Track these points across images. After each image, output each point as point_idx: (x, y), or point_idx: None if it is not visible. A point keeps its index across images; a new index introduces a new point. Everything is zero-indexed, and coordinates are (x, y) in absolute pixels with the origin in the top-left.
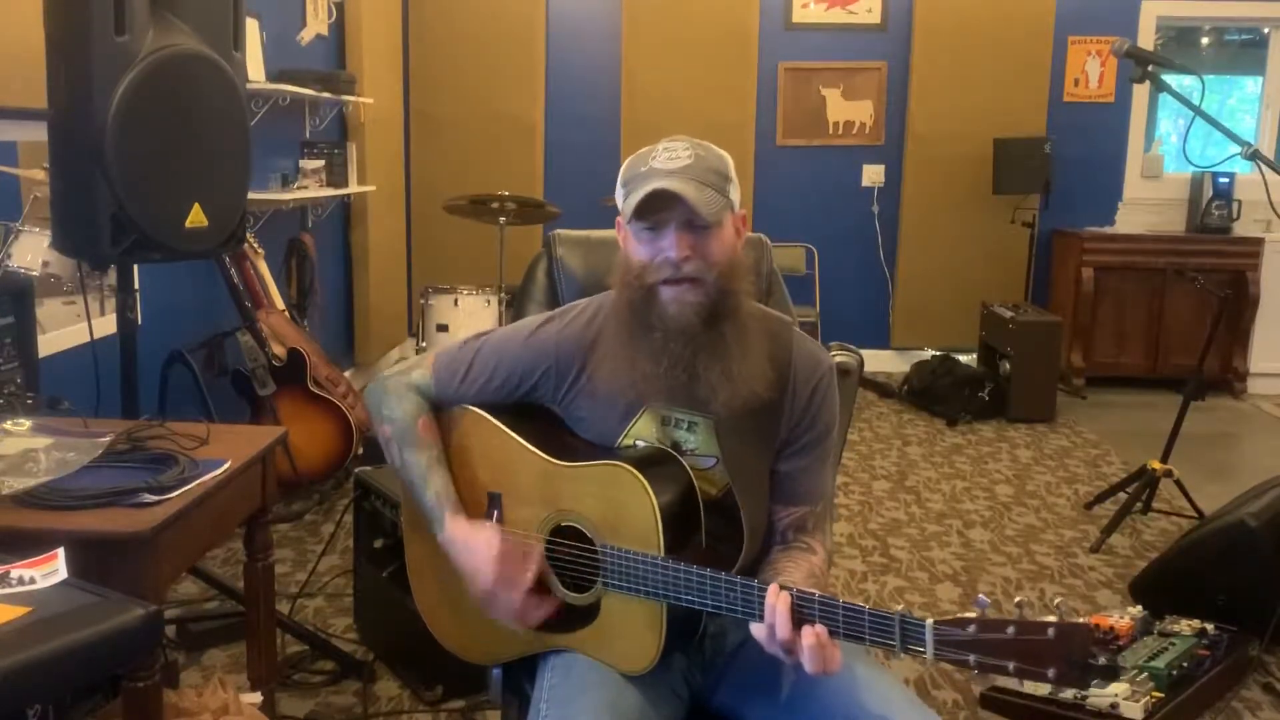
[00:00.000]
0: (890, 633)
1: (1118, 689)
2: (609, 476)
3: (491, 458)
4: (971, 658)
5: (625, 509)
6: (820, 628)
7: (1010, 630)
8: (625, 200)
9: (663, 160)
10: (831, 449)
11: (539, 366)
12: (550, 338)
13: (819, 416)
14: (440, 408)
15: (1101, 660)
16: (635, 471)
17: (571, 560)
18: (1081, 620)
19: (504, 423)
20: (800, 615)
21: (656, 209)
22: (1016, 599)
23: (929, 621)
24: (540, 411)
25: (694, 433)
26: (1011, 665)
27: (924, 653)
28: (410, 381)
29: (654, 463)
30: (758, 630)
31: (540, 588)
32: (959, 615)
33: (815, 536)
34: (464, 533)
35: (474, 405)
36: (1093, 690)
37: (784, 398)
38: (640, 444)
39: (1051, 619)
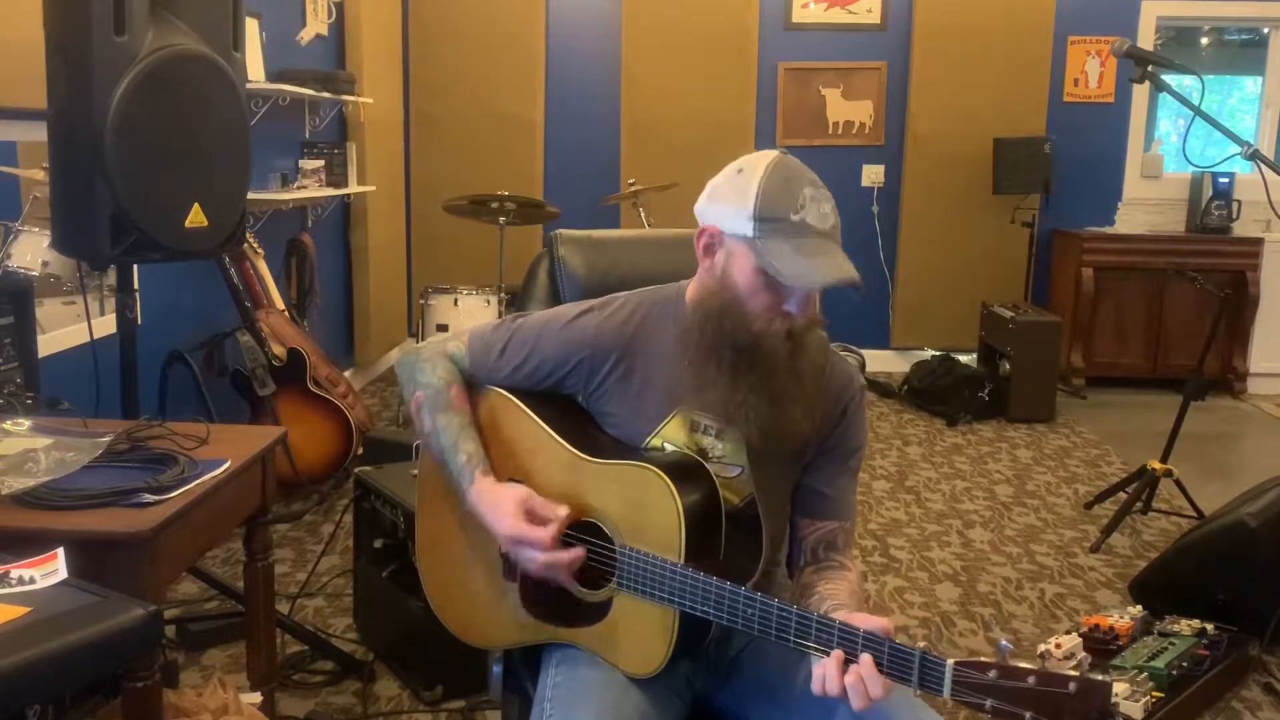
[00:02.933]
0: (908, 669)
1: (1118, 689)
2: (636, 478)
3: (517, 445)
4: (988, 702)
5: (649, 512)
6: (867, 658)
7: (1031, 680)
8: (771, 242)
9: (815, 215)
10: (860, 465)
11: (573, 357)
12: (588, 329)
13: (849, 433)
14: (471, 384)
15: (1119, 719)
16: (664, 476)
17: (588, 557)
18: (1103, 678)
19: (533, 410)
20: (819, 642)
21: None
22: (1040, 648)
23: (949, 662)
24: (569, 403)
25: (722, 440)
26: (1028, 715)
27: (940, 692)
28: (445, 351)
29: (682, 469)
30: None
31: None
32: (980, 659)
33: (845, 554)
34: (491, 489)
35: (504, 387)
36: None
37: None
38: (669, 448)
39: (1074, 673)
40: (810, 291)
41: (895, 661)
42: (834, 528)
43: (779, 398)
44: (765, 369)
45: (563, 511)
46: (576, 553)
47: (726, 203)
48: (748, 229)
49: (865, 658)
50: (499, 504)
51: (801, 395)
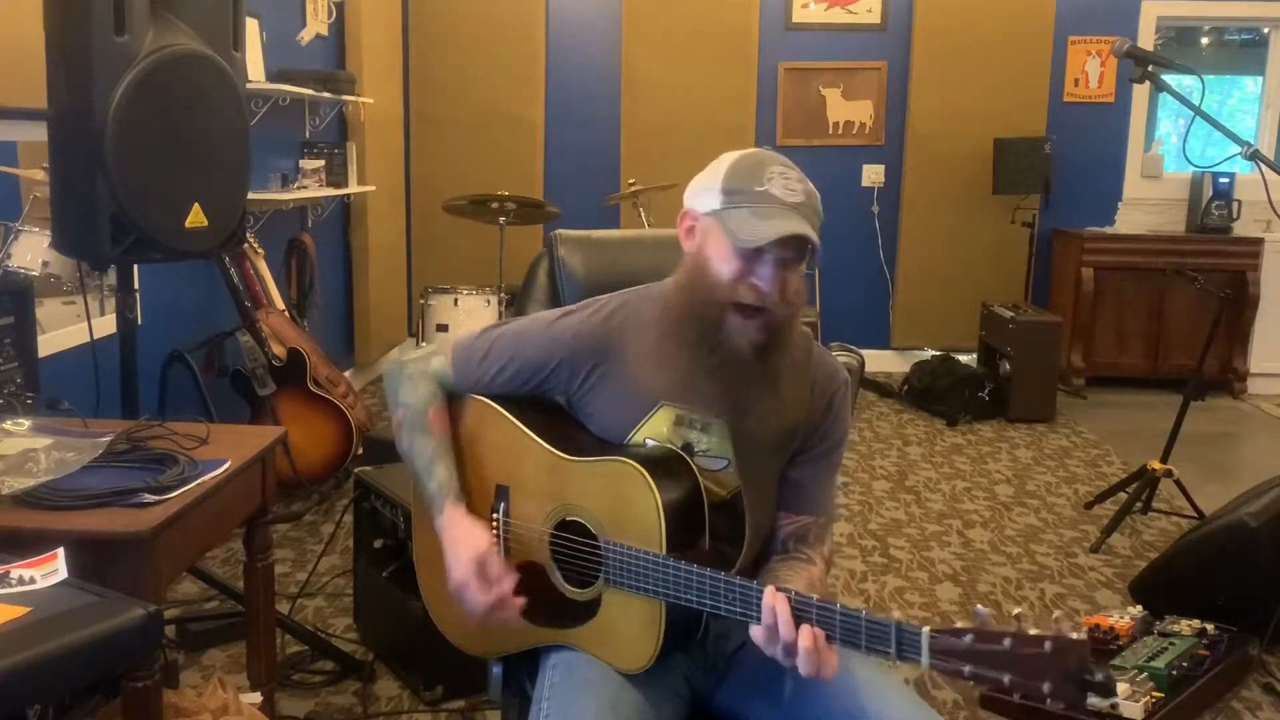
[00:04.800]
0: (886, 640)
1: (1118, 689)
2: (616, 473)
3: (500, 450)
4: (966, 668)
5: (630, 506)
6: (818, 630)
7: (1006, 642)
8: (733, 211)
9: (780, 188)
10: (839, 462)
11: (554, 358)
12: (568, 330)
13: (832, 428)
14: (456, 395)
15: (1099, 677)
16: (642, 469)
17: (575, 555)
18: (1079, 636)
19: (514, 415)
20: (798, 618)
21: (780, 243)
22: (1015, 611)
23: (925, 630)
24: (551, 405)
25: (708, 434)
26: (1007, 678)
27: (919, 661)
28: (428, 369)
29: (661, 462)
30: (756, 632)
31: (520, 589)
32: (955, 625)
33: (815, 548)
34: (457, 525)
35: (488, 394)
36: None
37: (804, 410)
38: (650, 443)
39: (1049, 633)
40: (783, 273)
41: (872, 634)
42: (808, 523)
43: (742, 386)
44: (726, 353)
45: (508, 585)
46: (511, 614)
47: (702, 185)
48: (716, 203)
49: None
50: (456, 547)
51: (771, 386)
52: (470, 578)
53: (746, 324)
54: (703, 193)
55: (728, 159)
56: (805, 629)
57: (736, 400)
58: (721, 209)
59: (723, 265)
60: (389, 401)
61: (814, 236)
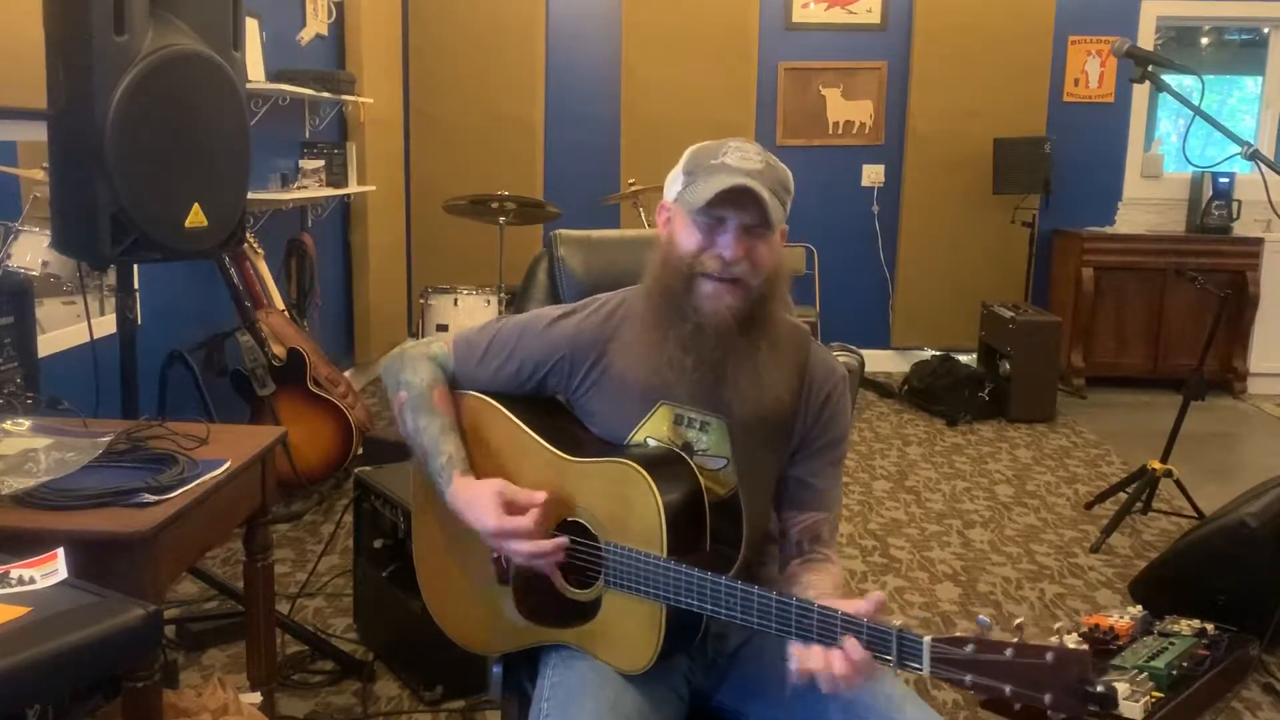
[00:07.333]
0: (887, 648)
1: (1118, 688)
2: (617, 474)
3: (500, 449)
4: (968, 678)
5: (631, 508)
6: (853, 651)
7: (1008, 652)
8: (690, 187)
9: (735, 159)
10: (844, 457)
11: (554, 356)
12: (569, 328)
13: (832, 424)
14: (454, 386)
15: (1100, 689)
16: (643, 471)
17: (576, 556)
18: (1082, 648)
19: (514, 414)
20: (799, 627)
21: (729, 203)
22: (1017, 620)
23: (926, 639)
24: (551, 404)
25: (707, 433)
26: (1008, 688)
27: (920, 670)
28: (430, 353)
29: (663, 463)
30: (800, 652)
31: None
32: (957, 634)
33: (830, 546)
34: (467, 487)
35: (487, 389)
36: None
37: (799, 405)
38: (651, 443)
39: (1051, 643)
40: (747, 240)
41: (873, 641)
42: (820, 519)
43: (719, 358)
44: (700, 318)
45: (540, 496)
46: (559, 541)
47: (671, 176)
48: (679, 185)
49: (850, 641)
50: (476, 499)
51: (750, 361)
52: (501, 517)
53: (717, 288)
54: (671, 183)
55: (692, 147)
56: (837, 654)
57: (713, 373)
58: (682, 189)
59: (687, 240)
60: (390, 389)
61: (760, 190)
